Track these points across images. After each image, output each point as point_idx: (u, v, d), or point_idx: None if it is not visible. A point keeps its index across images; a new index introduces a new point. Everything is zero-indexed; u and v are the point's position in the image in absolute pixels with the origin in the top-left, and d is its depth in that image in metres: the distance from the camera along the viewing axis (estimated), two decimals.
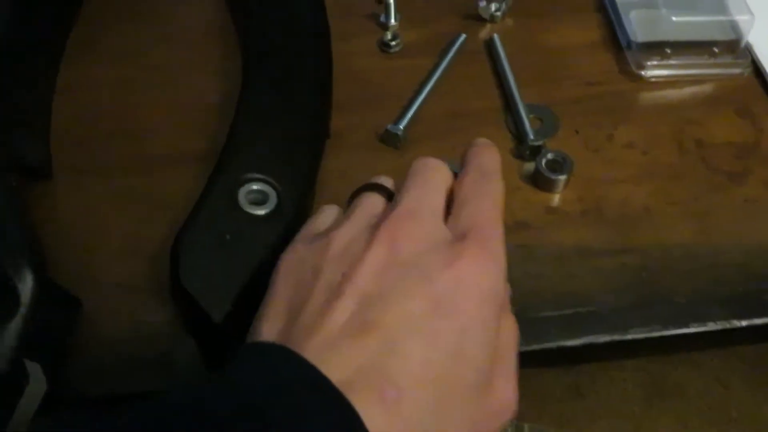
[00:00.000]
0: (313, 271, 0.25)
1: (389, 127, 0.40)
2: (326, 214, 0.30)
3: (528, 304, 0.34)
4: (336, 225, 0.28)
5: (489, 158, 0.30)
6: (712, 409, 0.33)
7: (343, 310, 0.23)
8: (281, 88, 0.39)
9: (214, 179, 0.33)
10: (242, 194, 0.33)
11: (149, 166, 0.39)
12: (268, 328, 0.24)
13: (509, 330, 0.26)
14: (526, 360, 0.27)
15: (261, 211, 0.33)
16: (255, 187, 0.34)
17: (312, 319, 0.23)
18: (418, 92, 0.42)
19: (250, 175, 0.34)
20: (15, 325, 0.28)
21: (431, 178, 0.29)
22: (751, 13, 0.40)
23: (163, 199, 0.37)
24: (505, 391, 0.25)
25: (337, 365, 0.22)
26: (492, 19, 0.46)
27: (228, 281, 0.30)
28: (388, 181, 0.31)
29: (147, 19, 0.47)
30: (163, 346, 0.31)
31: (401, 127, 0.40)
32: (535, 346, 0.32)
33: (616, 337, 0.33)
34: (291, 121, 0.37)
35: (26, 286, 0.29)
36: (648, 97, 0.42)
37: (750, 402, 0.33)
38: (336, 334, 0.23)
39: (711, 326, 0.33)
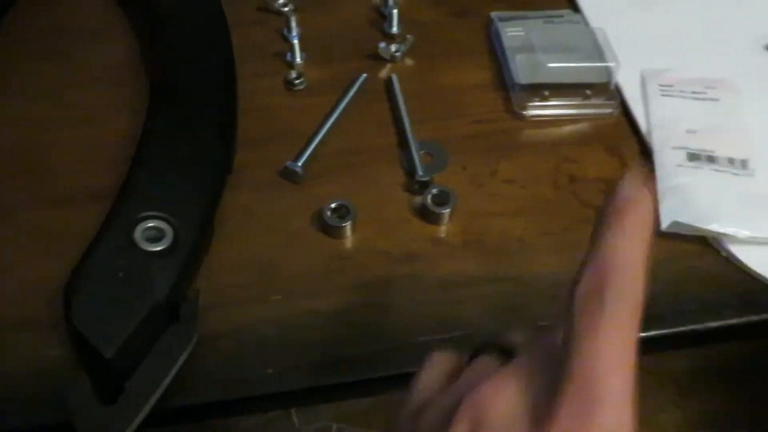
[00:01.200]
0: None
1: (288, 163, 0.42)
2: (433, 374, 0.26)
3: (412, 330, 0.37)
4: (424, 408, 0.23)
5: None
6: None
7: None
8: (182, 126, 0.41)
9: (109, 217, 0.35)
10: (138, 231, 0.35)
11: (56, 204, 0.41)
12: None
13: None
14: (404, 383, 0.29)
15: (157, 248, 0.35)
16: (151, 224, 0.35)
17: None
18: (318, 129, 0.45)
19: (146, 213, 0.35)
20: None
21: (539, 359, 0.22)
22: (617, 59, 0.45)
23: (68, 236, 0.38)
24: None
25: None
26: (392, 59, 0.50)
27: (120, 318, 0.32)
28: (516, 336, 0.26)
29: (60, 57, 0.48)
30: (59, 382, 0.32)
31: (299, 164, 0.42)
32: (410, 369, 0.35)
33: None
34: (190, 158, 0.39)
35: None
36: (529, 135, 0.46)
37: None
38: None
39: None
